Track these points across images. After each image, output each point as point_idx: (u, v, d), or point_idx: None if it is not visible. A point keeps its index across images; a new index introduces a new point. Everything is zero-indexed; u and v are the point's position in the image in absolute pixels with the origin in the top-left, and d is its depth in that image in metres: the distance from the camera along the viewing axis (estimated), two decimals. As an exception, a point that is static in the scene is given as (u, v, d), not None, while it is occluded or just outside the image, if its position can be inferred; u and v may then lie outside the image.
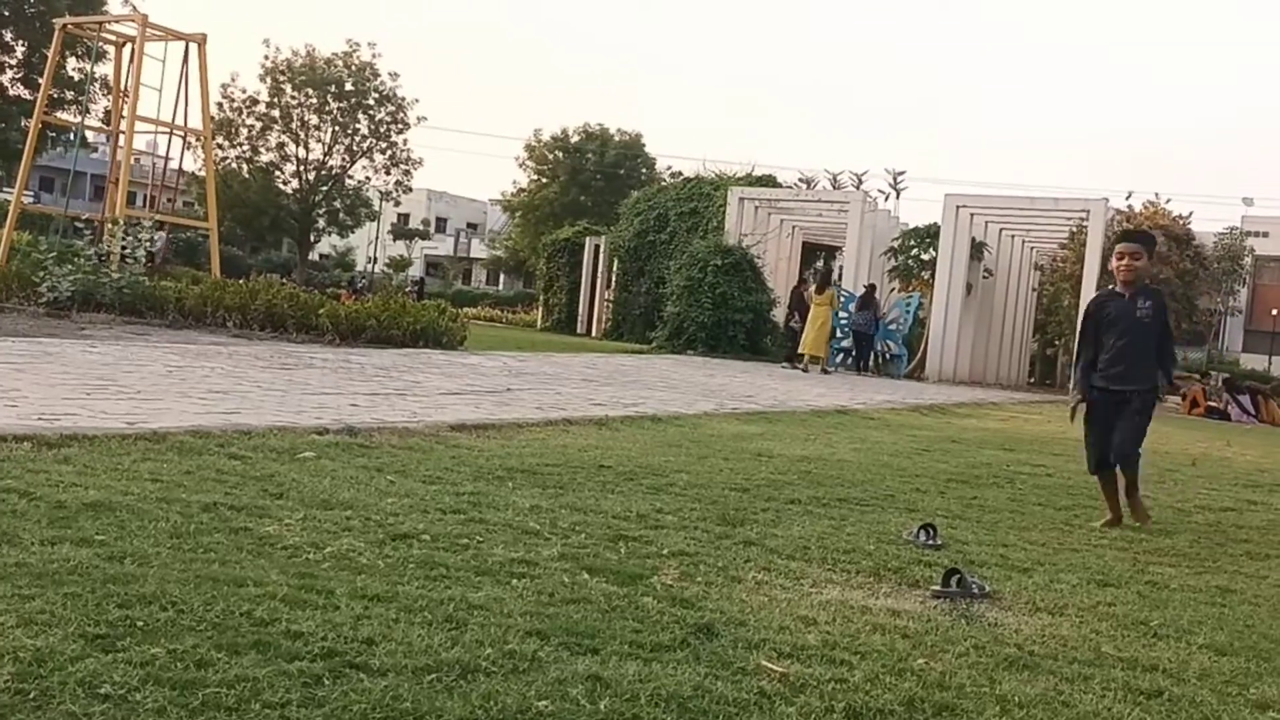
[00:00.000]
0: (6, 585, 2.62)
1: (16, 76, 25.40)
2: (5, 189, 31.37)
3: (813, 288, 20.21)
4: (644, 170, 51.29)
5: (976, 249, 21.43)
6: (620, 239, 27.71)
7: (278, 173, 44.80)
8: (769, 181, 26.26)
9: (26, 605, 2.49)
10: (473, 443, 6.21)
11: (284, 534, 3.48)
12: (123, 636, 2.34)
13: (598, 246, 29.03)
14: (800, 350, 19.13)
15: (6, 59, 25.11)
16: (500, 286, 62.89)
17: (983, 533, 4.93)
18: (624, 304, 27.25)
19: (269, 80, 44.02)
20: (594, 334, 27.95)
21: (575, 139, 51.49)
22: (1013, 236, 23.43)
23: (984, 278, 22.19)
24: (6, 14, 24.51)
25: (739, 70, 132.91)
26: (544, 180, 51.45)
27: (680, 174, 37.92)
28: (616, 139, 51.66)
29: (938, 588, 3.61)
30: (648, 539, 4.01)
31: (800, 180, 27.59)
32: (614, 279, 27.91)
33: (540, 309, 32.90)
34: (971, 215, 21.29)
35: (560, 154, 51.37)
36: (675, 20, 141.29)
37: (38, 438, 4.66)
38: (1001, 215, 22.35)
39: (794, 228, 25.40)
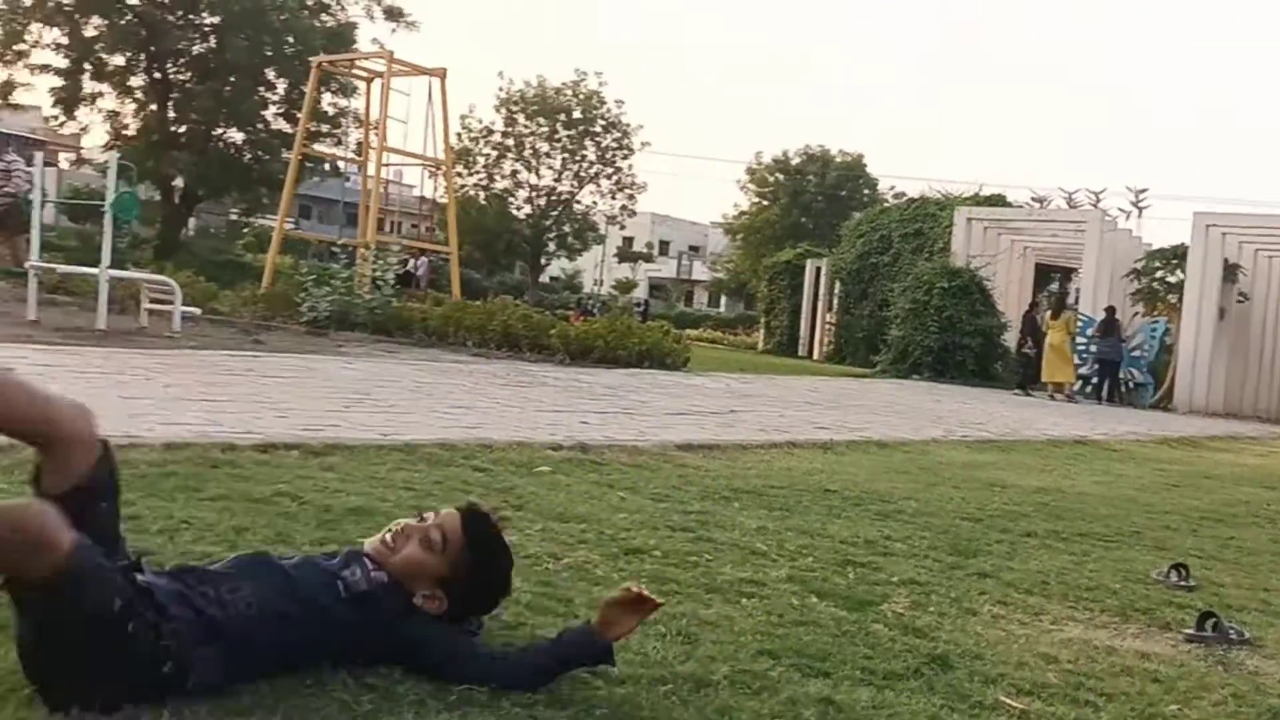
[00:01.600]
0: (284, 580, 2.87)
1: (278, 112, 27.60)
2: (269, 216, 34.10)
3: (1047, 311, 19.37)
4: (866, 191, 50.62)
5: (1229, 271, 20.01)
6: (842, 261, 27.42)
7: (511, 199, 46.82)
8: (998, 201, 25.39)
9: (302, 599, 2.71)
10: (699, 462, 6.31)
11: (525, 543, 3.65)
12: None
13: (819, 269, 28.83)
14: (1043, 379, 18.37)
15: (270, 96, 27.30)
16: (721, 308, 63.29)
17: (1241, 575, 4.61)
18: (846, 327, 26.93)
19: (503, 110, 46.11)
20: (815, 357, 27.73)
21: (796, 161, 51.39)
22: (1270, 258, 21.72)
23: (1238, 302, 20.67)
24: (269, 54, 26.65)
25: (965, 88, 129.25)
26: (765, 203, 51.58)
27: (904, 194, 37.18)
28: (838, 160, 51.21)
29: (1191, 631, 3.41)
30: (876, 565, 3.97)
31: (1032, 199, 26.52)
32: (836, 301, 27.63)
33: (761, 331, 32.93)
34: (1224, 235, 19.88)
35: (781, 176, 51.38)
36: (896, 40, 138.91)
37: (304, 446, 5.06)
38: (1258, 235, 20.77)
39: (1025, 249, 24.43)
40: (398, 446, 5.43)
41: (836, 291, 27.63)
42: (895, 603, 3.42)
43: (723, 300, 66.38)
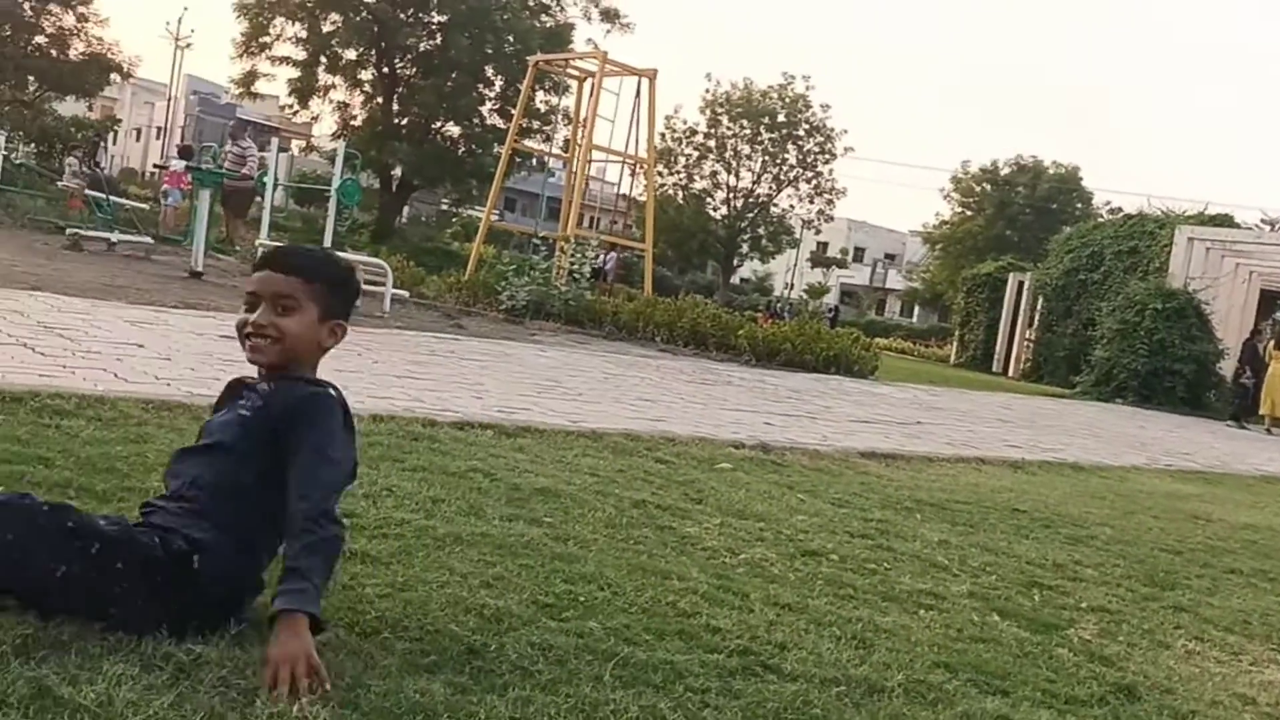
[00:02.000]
0: (474, 551, 3.02)
1: (494, 108, 28.62)
2: (476, 207, 35.37)
3: (1270, 340, 18.10)
4: (1079, 205, 48.45)
5: None
6: (1048, 276, 26.34)
7: (709, 199, 47.05)
8: (1224, 221, 23.85)
9: (488, 570, 2.85)
10: (881, 471, 6.22)
11: (703, 536, 3.70)
12: (566, 608, 2.61)
13: (1021, 283, 27.78)
14: (1261, 411, 17.19)
15: (487, 92, 28.34)
16: (914, 319, 61.83)
17: None
18: (1046, 345, 25.85)
19: (708, 112, 46.37)
20: (1011, 374, 26.74)
21: (1006, 171, 49.65)
22: None
23: None
24: (489, 52, 27.65)
25: (1188, 103, 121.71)
26: (968, 213, 50.05)
27: (1120, 210, 35.37)
28: (1050, 172, 49.18)
29: None
30: (1064, 589, 3.83)
31: (1263, 221, 24.81)
32: (1037, 318, 26.57)
33: (954, 344, 32.00)
34: None
35: (988, 186, 49.74)
36: (1116, 53, 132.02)
37: (498, 427, 5.28)
38: None
39: (1251, 273, 22.84)
40: (585, 433, 5.58)
41: (1039, 307, 26.55)
42: (1082, 629, 3.30)
43: (915, 310, 64.82)
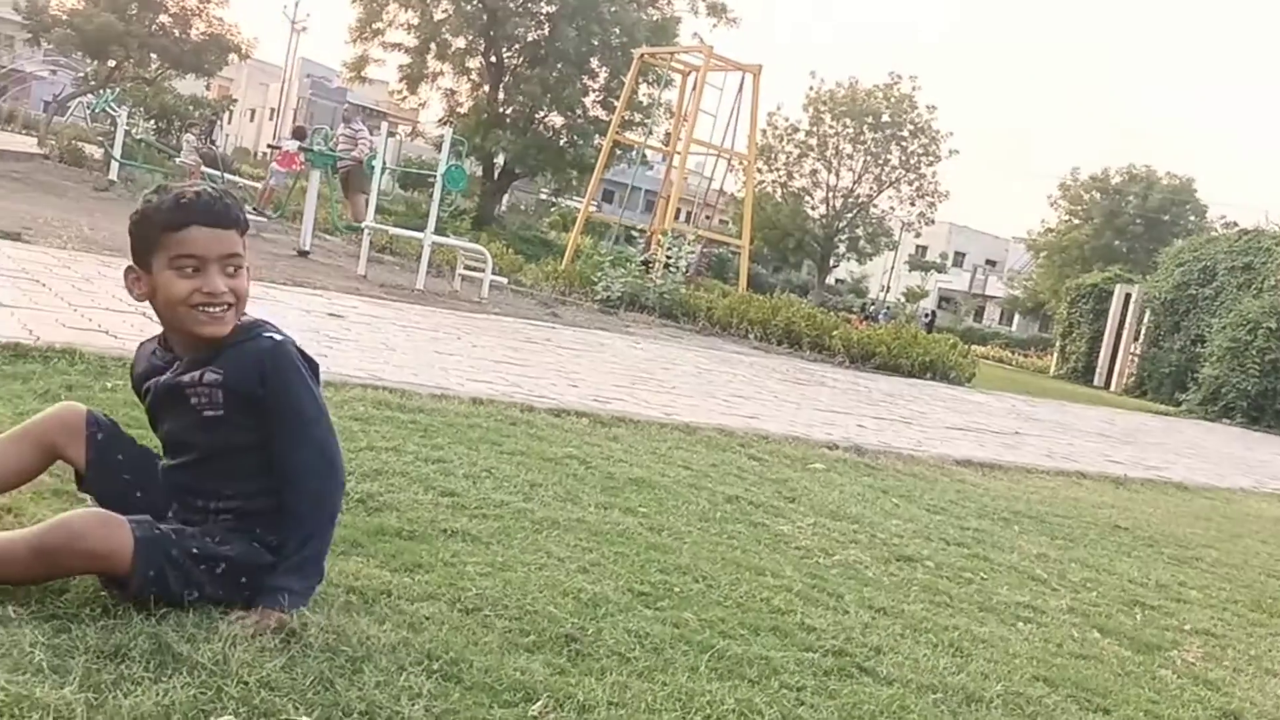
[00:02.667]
0: (570, 536, 3.05)
1: (596, 99, 28.76)
2: (575, 197, 35.61)
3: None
4: (1192, 218, 46.87)
5: None
6: (1156, 290, 25.54)
7: (807, 198, 46.65)
8: (1348, 240, 22.84)
9: (585, 556, 2.88)
10: (978, 480, 6.12)
11: (796, 535, 3.69)
12: (661, 598, 2.63)
13: (1128, 295, 26.98)
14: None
15: (591, 84, 28.48)
16: (1013, 327, 60.50)
17: None
18: (1152, 360, 25.09)
19: (811, 110, 45.95)
20: (1112, 388, 26.01)
21: (1116, 180, 48.29)
22: None
23: None
24: (595, 43, 27.79)
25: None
26: (1075, 221, 48.79)
27: (1235, 225, 34.13)
28: (1164, 183, 47.69)
29: None
30: (1168, 610, 3.73)
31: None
32: (1143, 332, 25.79)
33: (1054, 356, 31.23)
34: None
35: (1098, 195, 48.43)
36: (1239, 67, 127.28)
37: (593, 415, 5.32)
38: None
39: (1375, 295, 21.85)
40: (678, 426, 5.59)
41: (1145, 321, 25.78)
42: (1186, 651, 3.21)
43: (1015, 319, 63.41)
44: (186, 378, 2.13)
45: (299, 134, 16.85)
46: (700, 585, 2.79)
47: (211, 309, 2.06)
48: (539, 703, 1.87)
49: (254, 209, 15.47)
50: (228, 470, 2.15)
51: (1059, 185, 49.95)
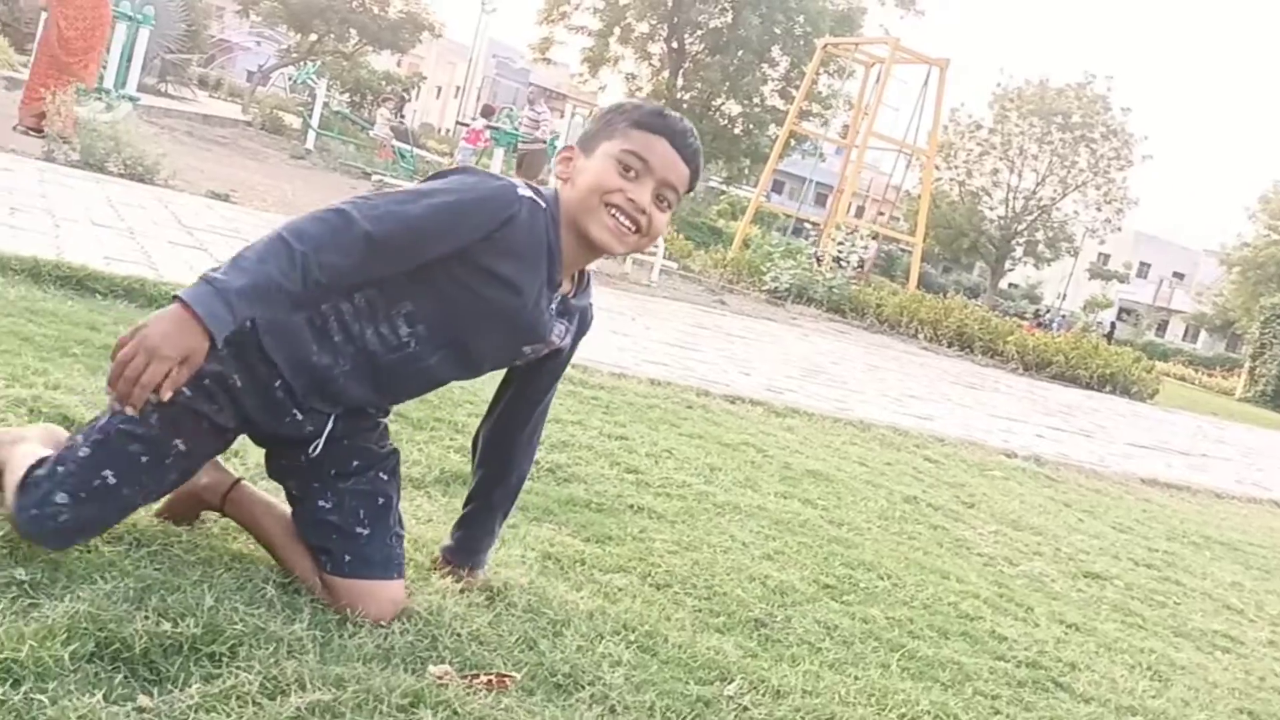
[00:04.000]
0: (753, 522, 3.05)
1: (775, 88, 28.54)
2: (743, 186, 35.46)
3: None
4: None
5: None
6: (1365, 314, 23.81)
7: (985, 197, 45.22)
8: None
9: (768, 543, 2.87)
10: (1164, 500, 5.85)
11: (978, 542, 3.60)
12: (847, 592, 2.61)
13: (1332, 319, 25.22)
14: None
15: (771, 72, 28.29)
16: (1197, 345, 57.36)
17: None
18: (1355, 389, 23.41)
19: (996, 107, 44.47)
20: (1308, 416, 24.38)
21: (1325, 194, 45.14)
22: None
23: None
24: (777, 31, 27.57)
25: None
26: (1275, 236, 45.86)
27: None
28: (1380, 199, 44.35)
29: None
30: (1380, 656, 3.48)
31: None
32: (1348, 358, 24.08)
33: (1242, 377, 29.48)
34: None
35: (1303, 209, 45.39)
36: None
37: (767, 405, 5.30)
38: None
39: None
40: (852, 422, 5.52)
41: (1350, 347, 24.08)
42: (1402, 701, 2.99)
43: (1201, 336, 60.10)
44: (558, 331, 1.92)
45: (487, 112, 17.30)
46: (885, 583, 2.75)
47: (623, 219, 1.81)
48: (734, 683, 1.88)
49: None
50: (436, 388, 1.99)
51: (1259, 198, 47.03)
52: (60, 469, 1.67)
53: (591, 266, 2.00)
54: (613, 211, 1.80)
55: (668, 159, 1.82)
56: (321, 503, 1.86)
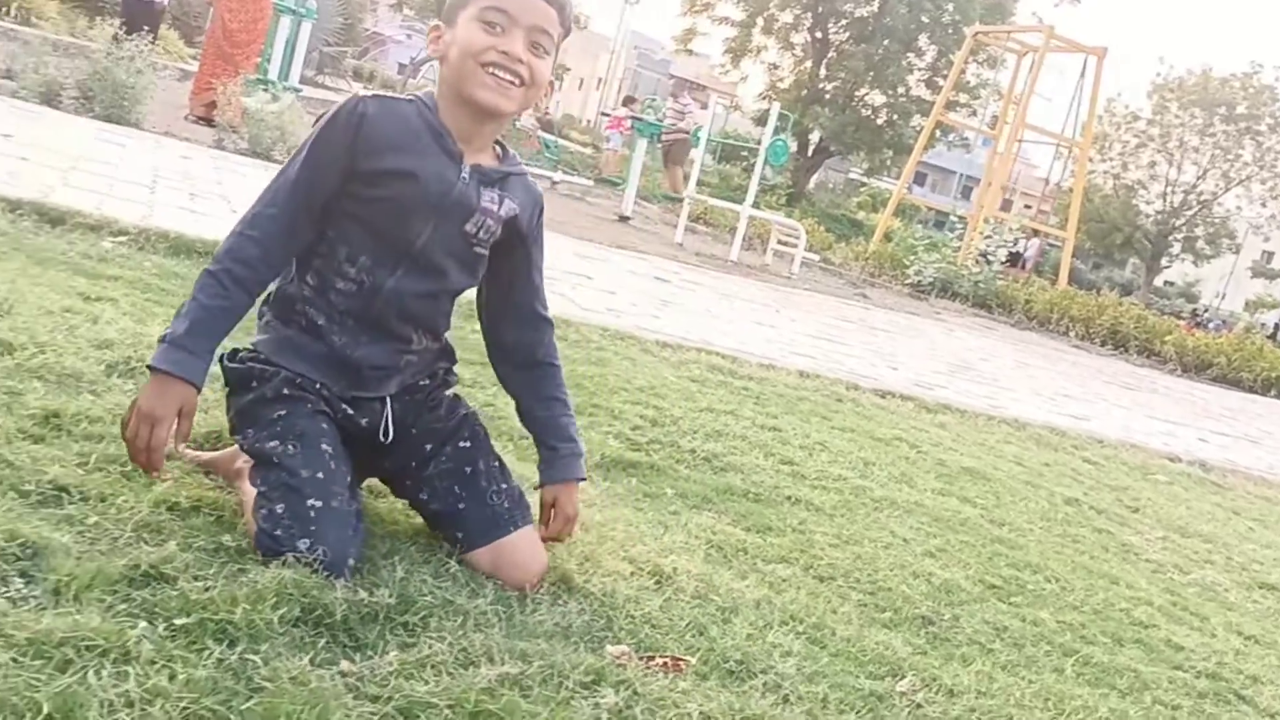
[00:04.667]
0: (912, 519, 3.01)
1: (921, 78, 27.93)
2: (884, 178, 34.84)
3: None
4: None
5: None
6: None
7: (1141, 191, 43.38)
8: None
9: (929, 540, 2.83)
10: (1343, 514, 5.53)
11: (1145, 547, 3.47)
12: (1014, 593, 2.55)
13: None
14: None
15: (917, 62, 27.69)
16: (1372, 350, 53.85)
17: None
18: None
19: (1155, 98, 42.60)
20: None
21: None
22: None
23: None
24: (925, 20, 26.96)
25: None
26: None
27: None
28: None
29: None
30: None
31: None
32: None
33: None
34: None
35: None
36: None
37: (917, 400, 5.21)
38: None
39: None
40: (1006, 420, 5.38)
41: None
42: None
43: (1376, 341, 56.41)
44: (486, 198, 1.90)
45: (628, 103, 17.40)
46: (1053, 586, 2.68)
47: (502, 75, 1.81)
48: (906, 679, 1.86)
49: (598, 178, 16.14)
50: (433, 313, 1.96)
51: None
52: (263, 511, 1.70)
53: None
54: (490, 70, 1.81)
55: (527, 5, 1.82)
56: (421, 496, 1.93)
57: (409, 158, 1.82)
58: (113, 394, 2.16)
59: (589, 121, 44.71)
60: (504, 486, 1.94)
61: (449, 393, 2.05)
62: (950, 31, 26.24)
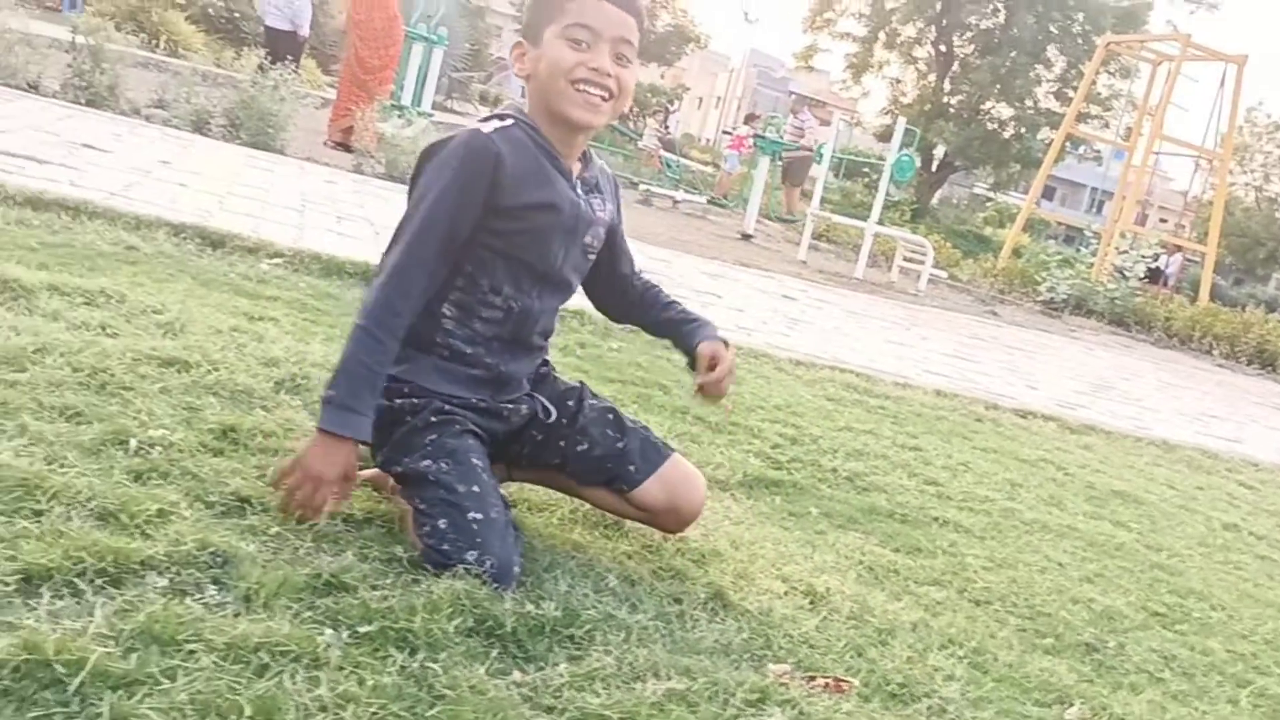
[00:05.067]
0: (1066, 543, 2.92)
1: (1050, 90, 27.21)
2: (1010, 193, 34.03)
3: None
4: None
5: None
6: None
7: (1285, 203, 41.44)
8: None
9: (1086, 565, 2.74)
10: None
11: (1315, 577, 3.29)
12: (1179, 621, 2.45)
13: None
14: None
15: (1045, 73, 27.00)
16: None
17: None
18: None
19: (1299, 104, 40.65)
20: None
21: None
22: None
23: None
24: (1053, 30, 26.28)
25: None
26: None
27: None
28: None
29: None
30: None
31: None
32: None
33: None
34: None
35: None
36: None
37: (1060, 420, 5.06)
38: None
39: None
40: (1153, 441, 5.19)
41: None
42: None
43: None
44: (596, 207, 2.00)
45: (750, 120, 17.39)
46: (1220, 614, 2.57)
47: (592, 91, 1.85)
48: (1074, 707, 1.81)
49: (710, 199, 16.18)
50: (555, 318, 2.09)
51: None
52: (425, 528, 1.75)
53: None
54: (580, 87, 1.84)
55: (610, 17, 1.84)
56: (580, 449, 2.00)
57: (544, 188, 1.88)
58: (283, 409, 2.24)
59: (708, 140, 44.81)
60: (645, 425, 2.06)
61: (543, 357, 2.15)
62: (1080, 42, 25.53)
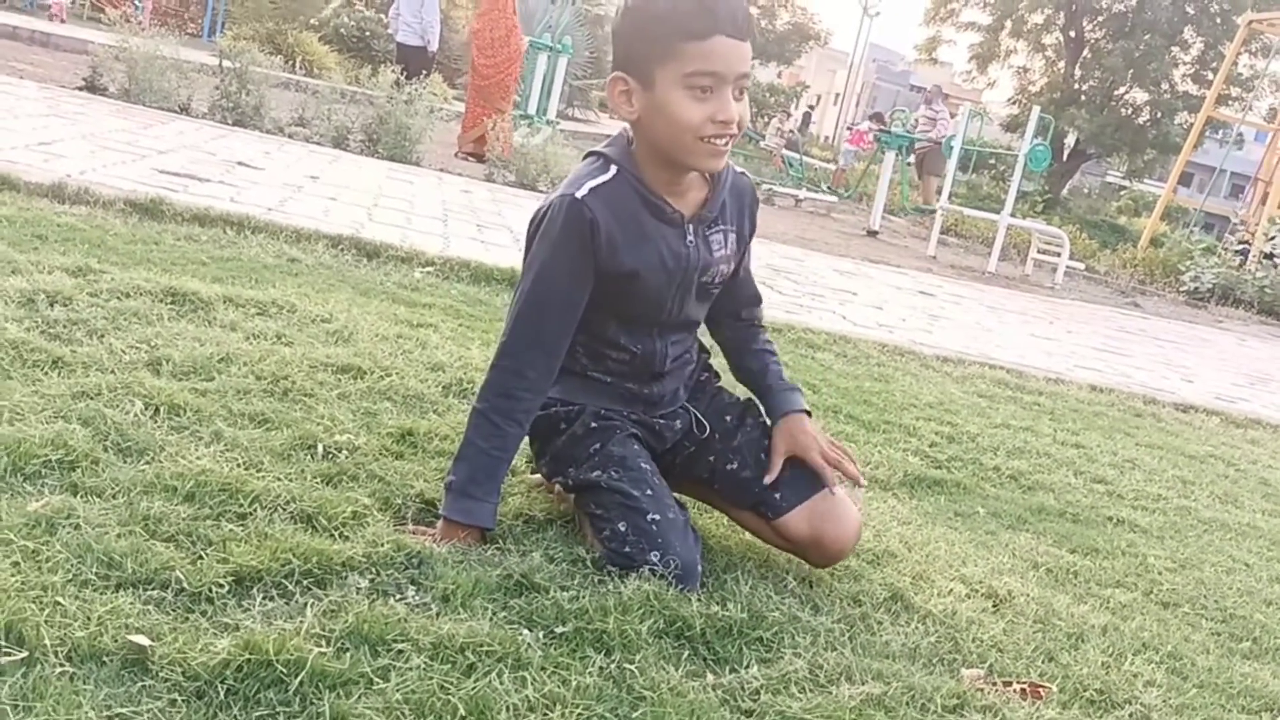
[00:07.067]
0: (1249, 542, 2.79)
1: (1187, 73, 26.12)
2: (1146, 181, 32.76)
3: None
4: None
5: None
6: None
7: None
8: None
9: (1273, 566, 2.61)
10: None
11: None
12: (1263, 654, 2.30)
13: None
14: None
15: (1182, 56, 25.92)
16: None
17: None
18: None
19: None
20: None
21: None
22: None
23: None
24: (1189, 11, 25.23)
25: None
26: None
27: None
28: None
29: None
30: None
31: None
32: None
33: None
34: None
35: None
36: None
37: (1223, 415, 4.83)
38: None
39: None
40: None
41: None
42: None
43: None
44: (715, 245, 1.87)
45: (877, 118, 17.14)
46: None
47: (719, 140, 1.70)
48: (1287, 716, 1.72)
49: (827, 188, 16.03)
50: (692, 338, 2.02)
51: None
52: (605, 531, 1.74)
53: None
54: (709, 140, 1.70)
55: (731, 55, 1.66)
56: (729, 467, 1.93)
57: (643, 251, 1.78)
58: (453, 413, 2.29)
59: (827, 138, 44.32)
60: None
61: (701, 359, 2.07)
62: (1219, 22, 24.43)
